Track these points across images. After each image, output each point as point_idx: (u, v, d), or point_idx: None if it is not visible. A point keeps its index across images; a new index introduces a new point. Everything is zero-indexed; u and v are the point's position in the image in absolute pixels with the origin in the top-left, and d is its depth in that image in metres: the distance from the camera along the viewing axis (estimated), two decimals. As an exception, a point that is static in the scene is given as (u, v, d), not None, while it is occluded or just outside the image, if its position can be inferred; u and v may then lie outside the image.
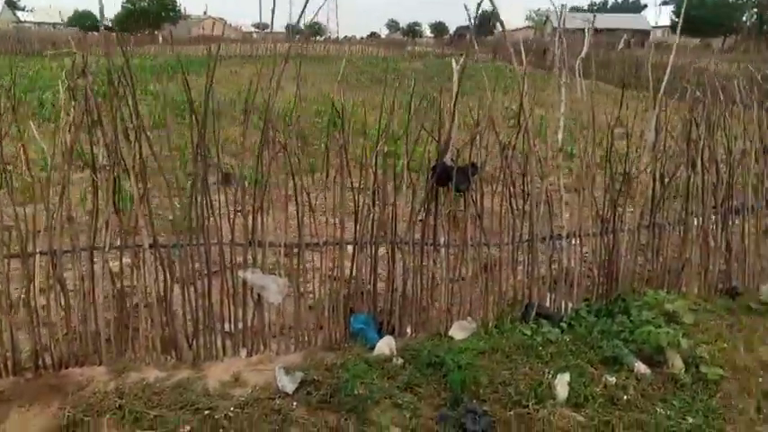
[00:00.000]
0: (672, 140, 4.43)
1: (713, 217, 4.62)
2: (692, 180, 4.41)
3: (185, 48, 39.49)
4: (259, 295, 3.57)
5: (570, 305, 4.26)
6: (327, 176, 3.75)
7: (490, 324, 4.05)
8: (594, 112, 4.13)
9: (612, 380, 3.49)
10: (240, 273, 3.52)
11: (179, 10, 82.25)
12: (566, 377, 3.42)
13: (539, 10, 75.31)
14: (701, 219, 4.56)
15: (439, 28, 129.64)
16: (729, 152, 4.60)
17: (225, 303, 3.59)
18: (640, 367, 3.60)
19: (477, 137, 3.92)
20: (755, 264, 4.86)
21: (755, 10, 56.45)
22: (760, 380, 3.59)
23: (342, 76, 21.68)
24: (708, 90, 4.47)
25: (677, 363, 3.61)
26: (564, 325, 4.08)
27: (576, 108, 4.41)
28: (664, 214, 4.49)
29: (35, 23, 78.18)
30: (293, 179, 3.55)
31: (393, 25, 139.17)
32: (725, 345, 3.89)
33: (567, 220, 4.18)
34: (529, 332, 3.94)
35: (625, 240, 4.31)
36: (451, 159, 3.87)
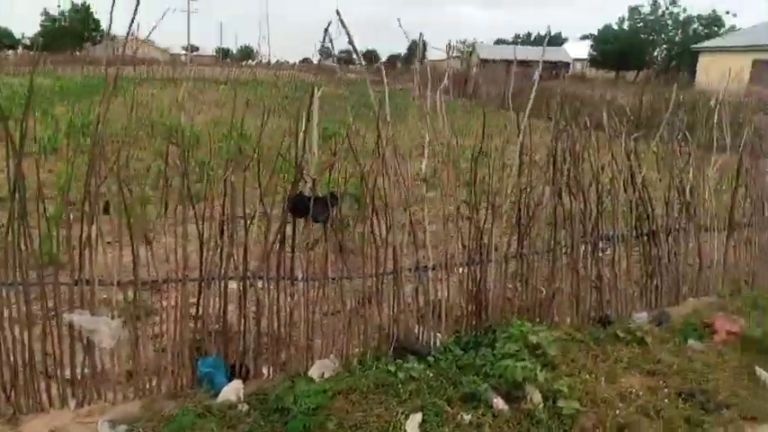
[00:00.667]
0: (538, 169, 4.45)
1: (583, 246, 4.64)
2: (557, 209, 4.42)
3: (102, 69, 38.26)
4: (89, 339, 3.26)
5: (440, 338, 4.16)
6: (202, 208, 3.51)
7: (354, 362, 3.88)
8: (458, 140, 4.10)
9: (468, 417, 3.37)
10: (65, 315, 3.21)
11: (102, 29, 79.86)
12: (418, 417, 3.27)
13: (465, 41, 77.57)
14: (570, 248, 4.58)
15: (370, 56, 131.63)
16: (597, 181, 4.65)
17: (51, 349, 3.26)
18: (499, 403, 3.50)
19: (337, 165, 3.79)
20: (627, 292, 4.92)
21: (665, 47, 60.02)
22: (617, 412, 3.55)
23: (260, 101, 21.61)
24: (576, 118, 4.54)
25: (536, 397, 3.54)
26: (431, 359, 3.96)
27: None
28: (533, 243, 4.48)
29: (-55, 41, 73.96)
30: (125, 210, 3.29)
31: (325, 51, 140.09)
32: (587, 376, 3.86)
33: (433, 251, 4.09)
34: (392, 369, 3.79)
35: (492, 271, 4.26)
36: (310, 189, 3.71)
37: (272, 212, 3.61)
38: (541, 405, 3.50)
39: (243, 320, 3.61)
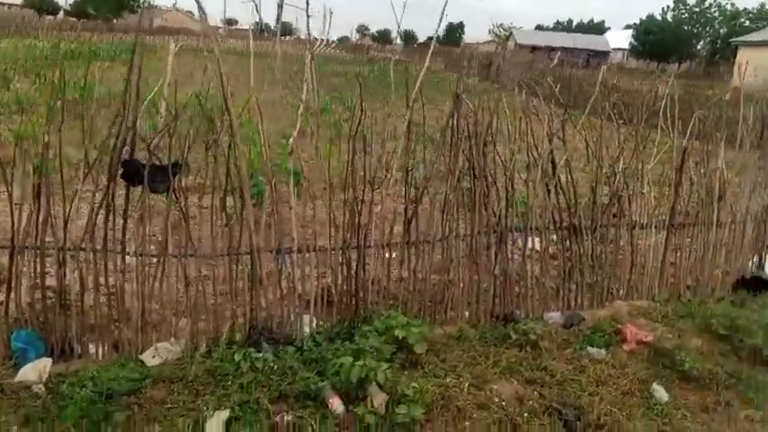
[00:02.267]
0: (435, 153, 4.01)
1: (486, 237, 4.20)
2: (450, 196, 3.98)
3: (140, 37, 38.59)
4: None
5: (309, 328, 3.79)
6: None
7: (202, 347, 3.55)
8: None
9: (288, 418, 3.02)
10: None
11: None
12: (222, 415, 2.93)
13: (501, 25, 75.72)
14: (470, 239, 4.14)
15: (408, 36, 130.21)
16: (505, 167, 4.19)
17: None
18: (334, 403, 3.13)
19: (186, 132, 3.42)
20: (540, 290, 4.47)
21: (709, 39, 57.72)
22: (466, 423, 3.15)
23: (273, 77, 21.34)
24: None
25: (378, 400, 3.15)
26: (291, 349, 3.61)
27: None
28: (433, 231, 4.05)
29: (-10, 4, 75.59)
30: None
31: (362, 30, 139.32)
32: (454, 379, 3.46)
33: (299, 232, 3.70)
34: (238, 358, 3.45)
35: (372, 257, 3.87)
36: (155, 156, 3.36)
37: (98, 177, 3.27)
38: (382, 409, 3.13)
39: (62, 295, 3.30)
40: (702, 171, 4.91)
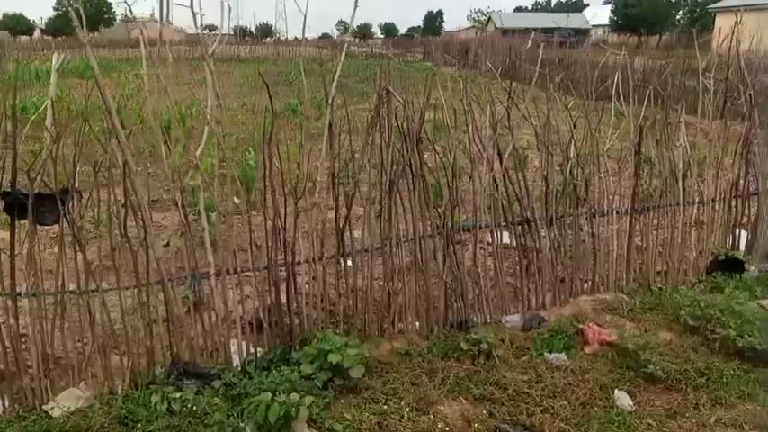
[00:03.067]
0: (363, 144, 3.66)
1: (431, 241, 3.87)
2: (384, 200, 3.64)
3: (116, 51, 38.19)
4: None
5: (238, 357, 3.46)
6: None
7: (119, 389, 3.21)
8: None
9: (201, 470, 2.69)
10: None
11: (113, 12, 79.92)
12: (122, 473, 2.60)
13: (479, 11, 75.11)
14: (412, 243, 3.81)
15: (389, 29, 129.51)
16: (449, 158, 3.86)
17: None
18: (253, 447, 2.80)
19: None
20: (495, 292, 4.14)
21: (687, 8, 57.42)
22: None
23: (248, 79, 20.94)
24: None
25: (305, 439, 2.83)
26: (218, 383, 3.28)
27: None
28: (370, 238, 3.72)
29: (-39, 28, 74.73)
30: None
31: (343, 26, 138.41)
32: (395, 404, 3.13)
33: (215, 255, 3.35)
34: (156, 399, 3.11)
35: (301, 274, 3.53)
36: (44, 185, 3.01)
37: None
38: (310, 448, 2.80)
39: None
40: (664, 148, 4.58)
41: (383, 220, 3.65)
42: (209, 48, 3.45)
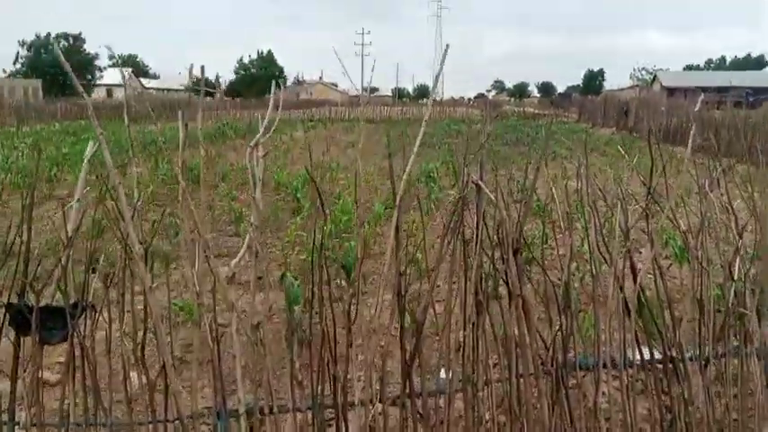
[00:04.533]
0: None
1: (533, 380, 2.93)
2: (467, 328, 2.78)
3: (288, 111, 41.32)
4: None
5: None
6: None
7: None
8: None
9: None
10: None
11: (285, 76, 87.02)
12: None
13: (643, 69, 71.11)
14: (505, 383, 2.90)
15: (546, 88, 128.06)
16: (569, 263, 2.94)
17: None
18: None
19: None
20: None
21: None
22: None
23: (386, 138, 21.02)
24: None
25: None
26: None
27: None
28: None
29: (158, 89, 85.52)
30: None
31: (498, 86, 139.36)
32: None
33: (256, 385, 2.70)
34: None
35: (353, 422, 2.76)
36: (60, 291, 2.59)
37: None
38: None
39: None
40: None
41: (464, 357, 2.80)
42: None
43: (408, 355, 2.78)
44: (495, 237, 2.84)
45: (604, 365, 3.04)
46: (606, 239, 3.12)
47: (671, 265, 6.20)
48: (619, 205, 3.11)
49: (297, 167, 13.57)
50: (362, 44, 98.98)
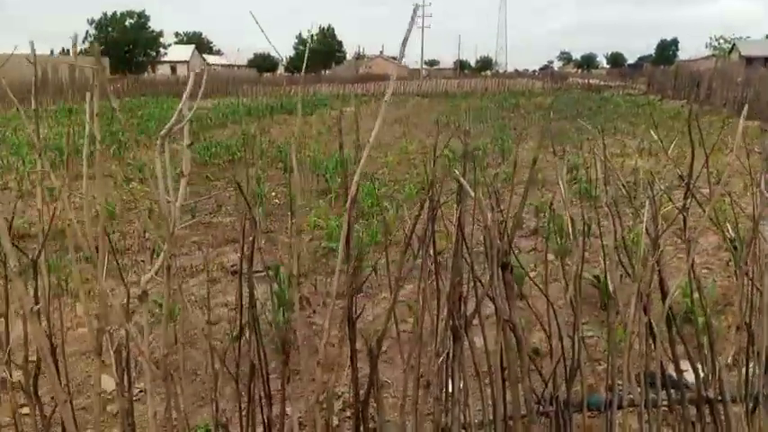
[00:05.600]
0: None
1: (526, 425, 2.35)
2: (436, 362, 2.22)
3: (347, 86, 40.83)
4: None
5: None
6: None
7: None
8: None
9: None
10: None
11: (344, 51, 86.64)
12: None
13: (720, 37, 66.42)
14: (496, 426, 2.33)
15: (615, 59, 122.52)
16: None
17: None
18: None
19: None
20: None
21: None
22: None
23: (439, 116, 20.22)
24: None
25: None
26: None
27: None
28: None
29: (222, 66, 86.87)
30: None
31: (565, 57, 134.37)
32: None
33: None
34: None
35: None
36: None
37: None
38: None
39: None
40: None
41: (435, 398, 2.25)
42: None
43: (364, 392, 2.24)
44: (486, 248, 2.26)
45: (620, 405, 2.43)
46: (629, 247, 2.50)
47: (730, 261, 5.39)
48: (647, 204, 2.46)
49: (335, 146, 13.12)
50: (423, 16, 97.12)
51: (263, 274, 2.76)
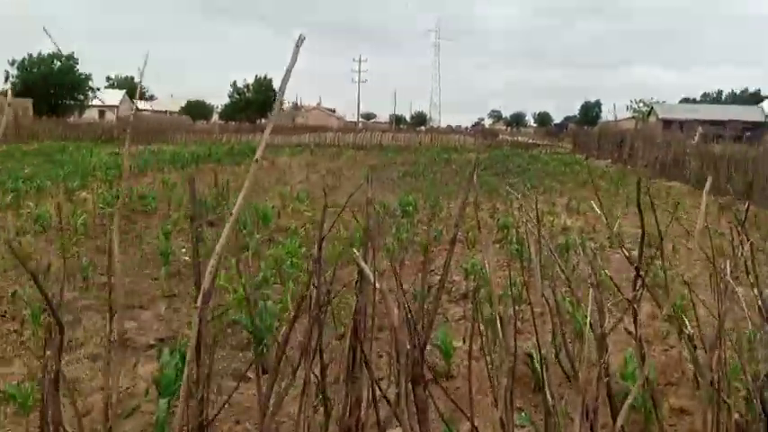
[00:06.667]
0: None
1: None
2: None
3: (281, 136, 40.05)
4: None
5: None
6: None
7: None
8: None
9: None
10: None
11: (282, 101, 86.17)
12: None
13: (640, 101, 70.40)
14: None
15: (543, 118, 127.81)
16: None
17: None
18: None
19: None
20: None
21: None
22: None
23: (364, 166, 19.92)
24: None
25: None
26: None
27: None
28: None
29: (153, 111, 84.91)
30: None
31: (495, 115, 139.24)
32: None
33: None
34: None
35: None
36: None
37: None
38: None
39: None
40: None
41: None
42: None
43: None
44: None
45: None
46: (574, 343, 2.04)
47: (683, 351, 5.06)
48: (590, 294, 2.02)
49: (264, 197, 12.51)
50: (359, 71, 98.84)
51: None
